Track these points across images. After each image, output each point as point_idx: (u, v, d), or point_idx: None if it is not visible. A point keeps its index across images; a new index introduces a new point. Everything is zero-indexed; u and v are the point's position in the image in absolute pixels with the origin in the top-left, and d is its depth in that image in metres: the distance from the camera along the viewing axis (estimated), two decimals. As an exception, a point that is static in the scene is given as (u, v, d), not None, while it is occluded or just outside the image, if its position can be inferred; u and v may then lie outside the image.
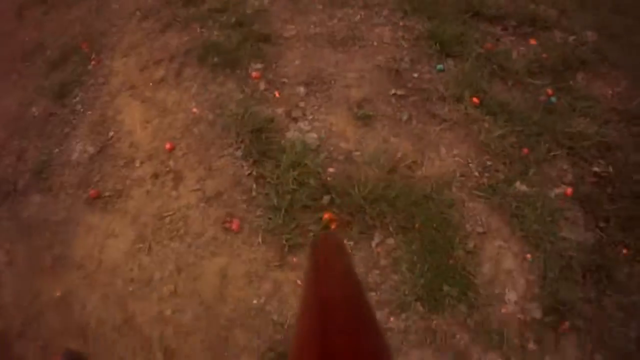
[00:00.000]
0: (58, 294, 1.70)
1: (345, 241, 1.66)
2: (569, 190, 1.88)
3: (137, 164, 1.90)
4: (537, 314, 1.84)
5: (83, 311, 1.64)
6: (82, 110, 2.15)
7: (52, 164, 2.03)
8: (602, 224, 1.96)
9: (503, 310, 1.79)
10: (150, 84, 1.97)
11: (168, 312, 1.62)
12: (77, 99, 2.18)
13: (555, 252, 1.83)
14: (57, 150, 2.11)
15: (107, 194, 1.88)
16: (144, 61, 2.02)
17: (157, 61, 1.99)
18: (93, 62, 2.18)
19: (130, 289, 1.66)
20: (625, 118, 2.11)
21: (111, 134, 2.01)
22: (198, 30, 1.96)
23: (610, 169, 1.98)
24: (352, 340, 0.28)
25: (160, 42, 2.03)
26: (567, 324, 1.84)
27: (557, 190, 1.86)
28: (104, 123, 2.05)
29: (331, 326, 0.30)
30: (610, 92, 2.16)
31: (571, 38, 2.34)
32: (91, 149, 2.03)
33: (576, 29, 2.32)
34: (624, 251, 2.04)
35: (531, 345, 1.81)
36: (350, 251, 1.66)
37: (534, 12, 2.30)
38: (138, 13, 2.12)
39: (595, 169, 1.96)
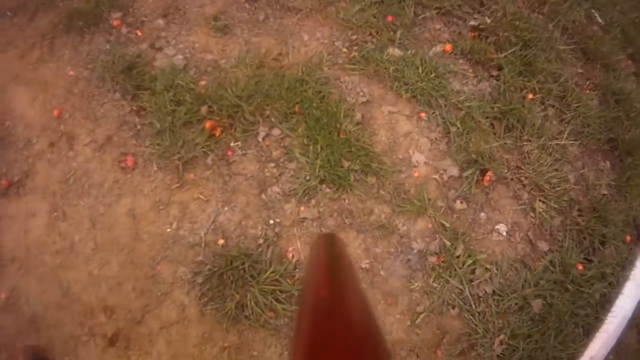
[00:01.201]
0: (3, 295, 1.70)
1: (343, 240, 1.61)
2: (448, 46, 1.87)
3: (35, 140, 1.93)
4: (454, 171, 1.77)
5: (28, 303, 1.64)
6: (-24, 117, 2.19)
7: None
8: (495, 73, 1.95)
9: (415, 175, 1.75)
10: (30, 66, 2.01)
11: (96, 271, 1.62)
12: (-32, 109, 2.22)
13: (451, 106, 1.80)
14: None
15: (16, 179, 1.90)
16: (21, 50, 2.07)
17: (32, 45, 2.04)
18: (-21, 72, 2.24)
19: (58, 261, 1.66)
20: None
21: (7, 124, 2.04)
22: (60, 4, 2.03)
23: (488, 20, 1.98)
24: (352, 344, 0.28)
25: (31, 28, 2.09)
26: (491, 174, 1.77)
27: (435, 49, 1.85)
28: (-1, 118, 2.08)
29: (330, 327, 0.29)
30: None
31: None
32: (-8, 146, 2.07)
33: None
34: (530, 96, 2.03)
35: (459, 205, 1.75)
36: (348, 252, 1.64)
37: None
38: (8, 13, 2.19)
39: (472, 22, 1.96)
